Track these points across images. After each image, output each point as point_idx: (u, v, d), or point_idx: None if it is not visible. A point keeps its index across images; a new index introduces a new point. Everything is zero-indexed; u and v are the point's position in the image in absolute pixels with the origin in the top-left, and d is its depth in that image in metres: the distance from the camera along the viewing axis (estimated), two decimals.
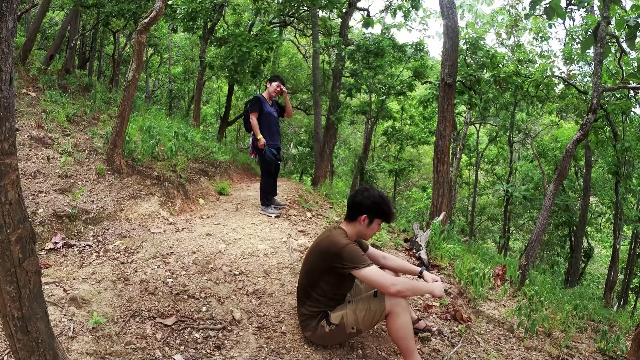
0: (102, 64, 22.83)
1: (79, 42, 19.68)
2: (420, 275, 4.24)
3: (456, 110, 20.84)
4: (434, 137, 22.81)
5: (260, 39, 10.98)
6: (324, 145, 13.73)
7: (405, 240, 9.25)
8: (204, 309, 4.58)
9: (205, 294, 4.79)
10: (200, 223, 6.70)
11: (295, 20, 17.82)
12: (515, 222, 23.54)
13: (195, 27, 12.09)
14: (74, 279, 4.83)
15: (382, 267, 4.35)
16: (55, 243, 5.51)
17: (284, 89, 7.32)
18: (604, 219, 21.39)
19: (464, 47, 13.40)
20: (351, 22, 16.14)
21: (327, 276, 3.90)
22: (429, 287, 3.87)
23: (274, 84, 7.23)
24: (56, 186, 6.44)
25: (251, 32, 12.72)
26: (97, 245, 5.70)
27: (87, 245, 5.67)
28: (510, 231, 22.27)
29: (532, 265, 9.72)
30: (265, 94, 7.27)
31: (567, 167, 8.48)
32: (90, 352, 3.59)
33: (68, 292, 4.54)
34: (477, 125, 20.52)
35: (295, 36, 20.22)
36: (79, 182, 6.66)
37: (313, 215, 7.79)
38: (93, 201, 6.37)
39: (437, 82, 12.75)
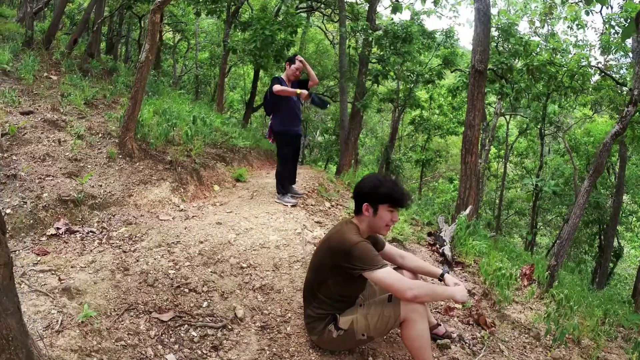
0: (129, 49, 22.70)
1: (105, 27, 19.58)
2: (441, 278, 3.79)
3: (486, 101, 20.12)
4: (463, 128, 22.22)
5: (284, 22, 10.57)
6: (349, 133, 13.28)
7: (429, 234, 8.81)
8: (205, 304, 4.23)
9: (208, 288, 4.43)
10: (212, 210, 6.36)
11: (322, 5, 17.34)
12: (543, 217, 22.76)
13: (218, 10, 11.73)
14: (71, 267, 4.53)
15: (400, 267, 3.93)
16: (58, 229, 5.22)
17: (301, 59, 6.87)
18: (634, 218, 20.47)
19: (496, 34, 12.76)
20: (379, 9, 15.61)
21: (335, 276, 3.49)
22: (450, 292, 3.42)
23: (293, 66, 6.78)
24: (64, 170, 6.16)
25: (277, 18, 12.30)
26: (101, 232, 5.40)
27: (91, 231, 5.37)
28: (538, 227, 21.54)
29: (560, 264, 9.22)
30: (284, 76, 6.86)
31: (604, 162, 7.91)
32: (75, 348, 3.27)
33: (63, 281, 4.24)
34: (507, 117, 19.76)
35: (322, 22, 19.71)
36: (89, 166, 6.38)
37: (332, 206, 7.39)
38: (101, 186, 6.07)
39: (468, 70, 12.17)
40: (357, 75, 13.03)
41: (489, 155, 21.02)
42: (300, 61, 6.77)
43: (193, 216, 6.04)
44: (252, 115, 18.38)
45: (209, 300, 4.27)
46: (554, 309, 6.24)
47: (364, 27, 12.16)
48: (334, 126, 21.06)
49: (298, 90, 6.54)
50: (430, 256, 7.31)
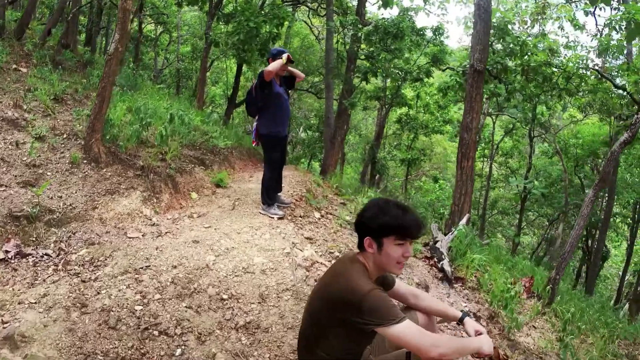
0: (109, 41, 21.52)
1: (85, 18, 18.45)
2: (460, 323, 3.00)
3: None
4: (447, 126, 21.62)
5: (270, 13, 9.67)
6: (335, 131, 12.47)
7: (425, 246, 8.11)
8: (178, 351, 3.42)
9: (182, 329, 3.62)
10: (189, 224, 5.51)
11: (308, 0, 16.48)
12: (526, 217, 22.24)
13: (200, 0, 10.83)
14: (19, 303, 3.70)
15: (412, 307, 3.13)
16: (6, 252, 4.36)
17: (289, 68, 6.03)
18: (619, 219, 19.97)
19: (491, 32, 12.00)
20: (366, 5, 14.75)
21: (339, 329, 2.68)
22: (477, 345, 2.62)
23: (277, 59, 5.72)
24: (20, 178, 5.28)
25: (262, 11, 11.39)
26: (58, 255, 4.54)
27: (46, 254, 4.51)
28: (521, 226, 21.05)
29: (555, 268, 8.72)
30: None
31: (610, 172, 7.29)
32: None
33: (6, 324, 3.41)
34: (493, 117, 19.12)
35: (308, 16, 18.83)
36: (48, 173, 5.48)
37: (322, 216, 6.59)
38: (61, 197, 5.19)
39: (460, 69, 11.49)
40: (345, 72, 12.21)
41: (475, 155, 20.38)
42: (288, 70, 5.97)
43: (166, 232, 5.19)
44: (235, 110, 17.46)
45: (183, 346, 3.46)
46: (565, 334, 5.61)
47: (354, 21, 11.33)
48: (317, 123, 20.25)
49: (283, 57, 5.65)
50: (428, 271, 6.60)
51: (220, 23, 11.66)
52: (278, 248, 4.92)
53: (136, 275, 4.16)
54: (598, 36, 11.75)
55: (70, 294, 3.82)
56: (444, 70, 13.47)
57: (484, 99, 18.01)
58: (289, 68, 5.98)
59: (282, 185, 6.42)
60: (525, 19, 15.61)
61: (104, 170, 5.73)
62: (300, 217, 6.10)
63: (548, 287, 7.14)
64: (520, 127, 19.23)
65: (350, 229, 6.58)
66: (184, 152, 7.24)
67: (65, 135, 6.35)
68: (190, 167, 6.89)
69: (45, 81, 8.57)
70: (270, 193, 5.96)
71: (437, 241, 8.00)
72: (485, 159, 20.72)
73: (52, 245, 4.65)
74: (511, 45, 11.73)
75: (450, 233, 8.22)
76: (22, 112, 6.84)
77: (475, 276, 7.02)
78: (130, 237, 4.96)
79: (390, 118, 18.13)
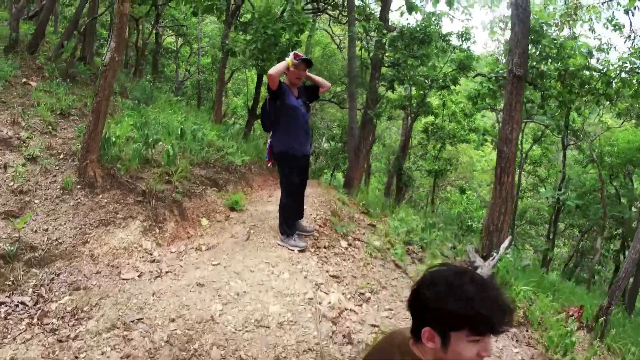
0: (128, 53, 20.96)
1: (106, 31, 17.90)
2: None
3: (498, 107, 18.38)
4: (474, 135, 20.50)
5: (289, 20, 8.81)
6: (360, 143, 11.54)
7: None
8: None
9: None
10: (195, 260, 4.63)
11: (329, 7, 15.59)
12: (555, 227, 20.97)
13: (215, 7, 10.04)
14: None
15: None
16: None
17: (310, 75, 5.15)
18: None
19: None
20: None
21: None
22: None
23: (282, 63, 4.92)
24: (3, 207, 4.46)
25: (281, 18, 10.54)
26: (36, 304, 3.70)
27: (21, 303, 3.68)
28: (550, 236, 19.81)
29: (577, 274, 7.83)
30: (286, 82, 5.07)
31: None
32: None
33: None
34: (522, 124, 17.97)
35: (329, 25, 17.96)
36: (36, 201, 4.67)
37: (349, 244, 5.65)
38: (47, 230, 4.36)
39: (493, 75, 10.50)
40: (369, 81, 11.29)
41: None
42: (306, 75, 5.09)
43: (167, 271, 4.31)
44: (256, 122, 16.67)
45: None
46: None
47: (378, 27, 10.42)
48: (340, 133, 19.32)
49: (289, 59, 4.82)
50: None
51: (239, 32, 10.86)
52: (299, 292, 4.01)
53: (125, 332, 3.30)
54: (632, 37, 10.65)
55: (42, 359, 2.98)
56: (474, 77, 12.48)
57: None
58: (309, 75, 5.10)
59: (304, 207, 5.51)
60: (555, 21, 14.53)
61: (100, 196, 4.90)
62: (324, 247, 5.17)
63: (601, 319, 6.17)
64: (549, 135, 18.06)
65: (381, 258, 5.65)
66: (194, 171, 6.38)
67: (61, 156, 5.55)
68: (201, 190, 6.01)
69: (52, 95, 7.88)
70: (289, 221, 5.04)
71: (477, 267, 7.05)
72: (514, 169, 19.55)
73: (31, 290, 3.81)
74: (547, 49, 10.66)
75: (491, 258, 7.27)
76: (18, 129, 6.09)
77: (522, 310, 6.04)
78: (124, 279, 4.10)
79: (415, 127, 17.14)
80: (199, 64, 21.77)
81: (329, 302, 3.98)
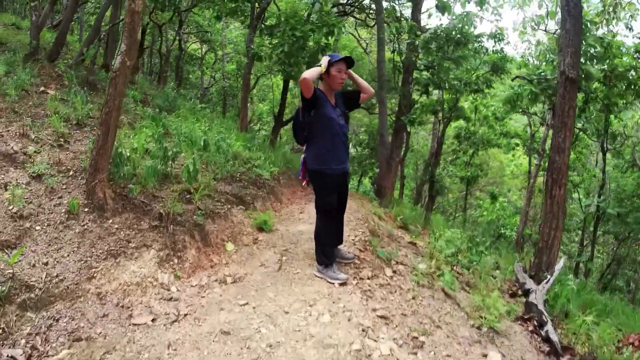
0: (153, 60, 20.47)
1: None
2: None
3: (531, 110, 17.34)
4: (503, 139, 19.45)
5: (318, 21, 8.01)
6: (392, 151, 10.72)
7: (512, 295, 6.34)
8: None
9: None
10: (219, 298, 3.86)
11: (355, 10, 14.81)
12: (588, 232, 19.75)
13: (239, 10, 9.36)
14: None
15: None
16: None
17: (352, 74, 4.36)
18: None
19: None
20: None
21: None
22: None
23: (333, 69, 4.15)
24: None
25: (309, 20, 9.74)
26: (29, 359, 2.97)
27: (11, 358, 2.95)
28: (584, 244, 18.66)
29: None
30: (322, 88, 4.27)
31: None
32: None
33: None
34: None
35: (355, 29, 17.16)
36: (37, 228, 3.96)
37: (394, 271, 4.84)
38: (47, 264, 3.64)
39: (535, 77, 9.57)
40: (401, 85, 10.47)
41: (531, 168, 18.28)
42: (349, 74, 4.31)
43: (186, 314, 3.55)
44: (282, 128, 15.97)
45: None
46: None
47: (411, 27, 9.59)
48: (367, 139, 18.49)
49: (322, 65, 4.05)
50: (529, 342, 4.80)
51: (264, 36, 10.13)
52: (343, 342, 3.21)
53: None
54: None
55: None
56: (512, 80, 11.54)
57: (549, 109, 15.90)
58: (352, 75, 4.32)
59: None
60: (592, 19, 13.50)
61: (110, 221, 4.17)
62: (367, 278, 4.36)
63: None
64: (583, 138, 16.96)
65: (428, 287, 4.83)
66: (218, 187, 5.63)
67: (70, 172, 4.85)
68: (226, 209, 5.25)
69: (69, 104, 7.26)
70: (327, 249, 4.24)
71: (528, 290, 6.22)
72: (544, 173, 18.47)
73: (24, 341, 3.09)
74: (593, 48, 9.70)
75: (545, 281, 6.43)
76: (27, 142, 5.43)
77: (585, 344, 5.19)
78: (135, 324, 3.36)
79: (446, 132, 16.21)
80: (223, 70, 21.19)
81: (380, 354, 3.17)
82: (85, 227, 4.05)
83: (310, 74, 3.89)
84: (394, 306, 4.06)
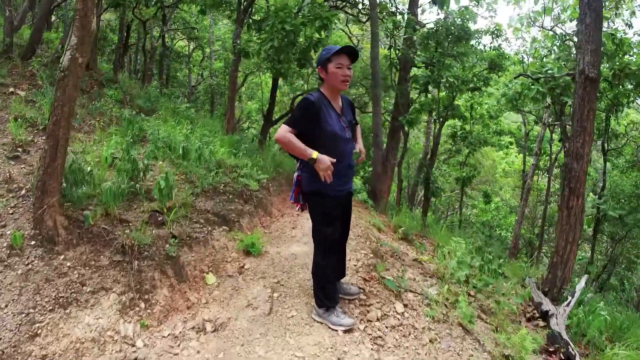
0: (138, 59, 19.40)
1: (115, 35, 16.34)
2: None
3: (525, 108, 16.63)
4: (496, 137, 18.74)
5: (310, 14, 7.10)
6: (388, 153, 9.91)
7: (529, 320, 5.61)
8: None
9: None
10: (195, 354, 3.02)
11: (347, 5, 13.92)
12: (583, 231, 19.11)
13: (224, 3, 8.48)
14: None
15: None
16: None
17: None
18: None
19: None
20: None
21: None
22: None
23: (331, 65, 3.16)
24: None
25: (300, 13, 8.82)
26: None
27: None
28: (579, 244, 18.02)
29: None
30: (324, 90, 3.30)
31: None
32: None
33: None
34: (550, 127, 16.17)
35: (346, 25, 16.28)
36: None
37: (405, 305, 4.02)
38: None
39: (542, 75, 8.80)
40: (398, 83, 9.63)
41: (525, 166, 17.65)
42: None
43: None
44: (272, 128, 15.11)
45: None
46: None
47: (410, 21, 8.76)
48: None
49: (314, 154, 3.04)
50: None
51: (252, 31, 9.22)
52: None
53: None
54: None
55: None
56: (515, 78, 10.77)
57: (544, 107, 15.18)
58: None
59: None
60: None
61: (61, 257, 3.31)
62: (377, 320, 3.54)
63: None
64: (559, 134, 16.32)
65: (444, 321, 4.03)
66: (198, 204, 4.76)
67: (22, 192, 3.98)
68: (206, 232, 4.39)
69: (38, 107, 6.41)
70: (328, 290, 3.39)
71: (546, 312, 5.47)
72: (540, 172, 17.87)
73: None
74: (604, 45, 8.94)
75: (565, 303, 5.70)
76: None
77: None
78: None
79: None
80: (211, 68, 20.22)
81: None
82: (30, 266, 3.18)
83: (287, 140, 3.04)
84: (410, 355, 3.25)
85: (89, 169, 3.99)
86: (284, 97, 18.39)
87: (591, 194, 16.04)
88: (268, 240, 5.06)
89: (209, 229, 4.43)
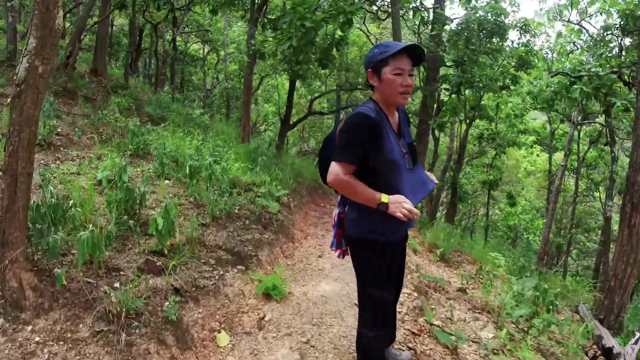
0: (152, 63, 18.63)
1: (127, 39, 15.58)
2: None
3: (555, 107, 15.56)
4: (522, 136, 17.67)
5: (333, 8, 6.11)
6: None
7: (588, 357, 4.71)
8: None
9: None
10: None
11: (365, 2, 12.96)
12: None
13: (236, 1, 7.61)
14: None
15: None
16: None
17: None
18: None
19: (618, 22, 8.27)
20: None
21: None
22: None
23: (387, 69, 2.12)
24: None
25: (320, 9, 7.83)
26: None
27: None
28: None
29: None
30: (377, 98, 2.22)
31: None
32: None
33: None
34: (578, 127, 15.08)
35: (363, 23, 15.31)
36: None
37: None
38: None
39: (585, 74, 7.80)
40: (424, 83, 8.68)
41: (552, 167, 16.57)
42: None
43: None
44: (290, 132, 14.23)
45: None
46: None
47: (439, 16, 7.80)
48: None
49: (385, 198, 2.09)
50: None
51: (267, 30, 8.30)
52: None
53: None
54: None
55: None
56: (552, 76, 9.74)
57: (573, 106, 14.10)
58: None
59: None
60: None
61: (29, 328, 2.45)
62: None
63: None
64: (605, 135, 15.23)
65: None
66: (207, 238, 3.88)
67: None
68: (217, 276, 3.50)
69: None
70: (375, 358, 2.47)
71: (610, 350, 4.54)
72: (567, 173, 16.74)
73: None
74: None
75: (633, 340, 4.78)
76: None
77: None
78: None
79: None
80: (226, 71, 19.37)
81: None
82: None
83: (346, 185, 2.14)
84: None
85: (70, 203, 3.12)
86: (301, 99, 17.47)
87: None
88: (291, 276, 4.17)
89: (221, 272, 3.53)
